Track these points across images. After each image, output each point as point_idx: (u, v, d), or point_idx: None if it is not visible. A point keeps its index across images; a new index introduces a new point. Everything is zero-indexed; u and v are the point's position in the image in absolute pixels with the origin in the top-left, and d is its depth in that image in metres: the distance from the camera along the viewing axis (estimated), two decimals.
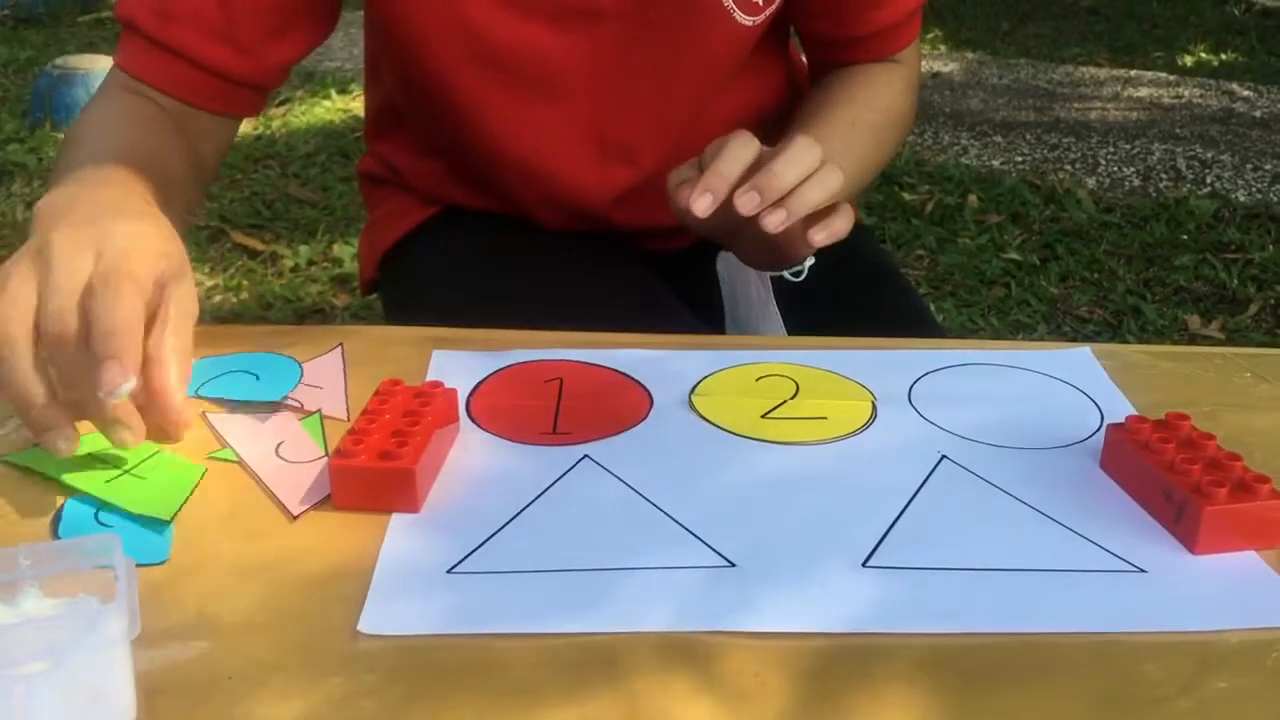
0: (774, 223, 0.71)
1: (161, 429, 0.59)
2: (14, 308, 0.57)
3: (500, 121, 0.91)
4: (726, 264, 0.96)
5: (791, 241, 0.79)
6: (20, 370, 0.56)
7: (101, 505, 0.59)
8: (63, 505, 0.59)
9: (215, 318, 2.37)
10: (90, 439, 0.63)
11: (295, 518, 0.58)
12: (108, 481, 0.60)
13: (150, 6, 0.83)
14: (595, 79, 0.90)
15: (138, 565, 0.52)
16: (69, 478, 0.60)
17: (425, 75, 0.90)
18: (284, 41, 0.87)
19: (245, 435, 0.66)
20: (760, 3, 0.89)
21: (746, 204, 0.71)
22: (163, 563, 0.54)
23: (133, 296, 0.57)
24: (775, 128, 0.93)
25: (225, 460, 0.63)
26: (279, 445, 0.65)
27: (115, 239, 0.60)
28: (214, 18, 0.82)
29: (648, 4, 0.87)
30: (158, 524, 0.57)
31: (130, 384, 0.56)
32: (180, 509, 0.58)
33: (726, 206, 0.72)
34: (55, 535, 0.56)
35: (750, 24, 0.90)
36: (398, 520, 0.58)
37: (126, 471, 0.61)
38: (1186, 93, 4.15)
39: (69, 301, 0.57)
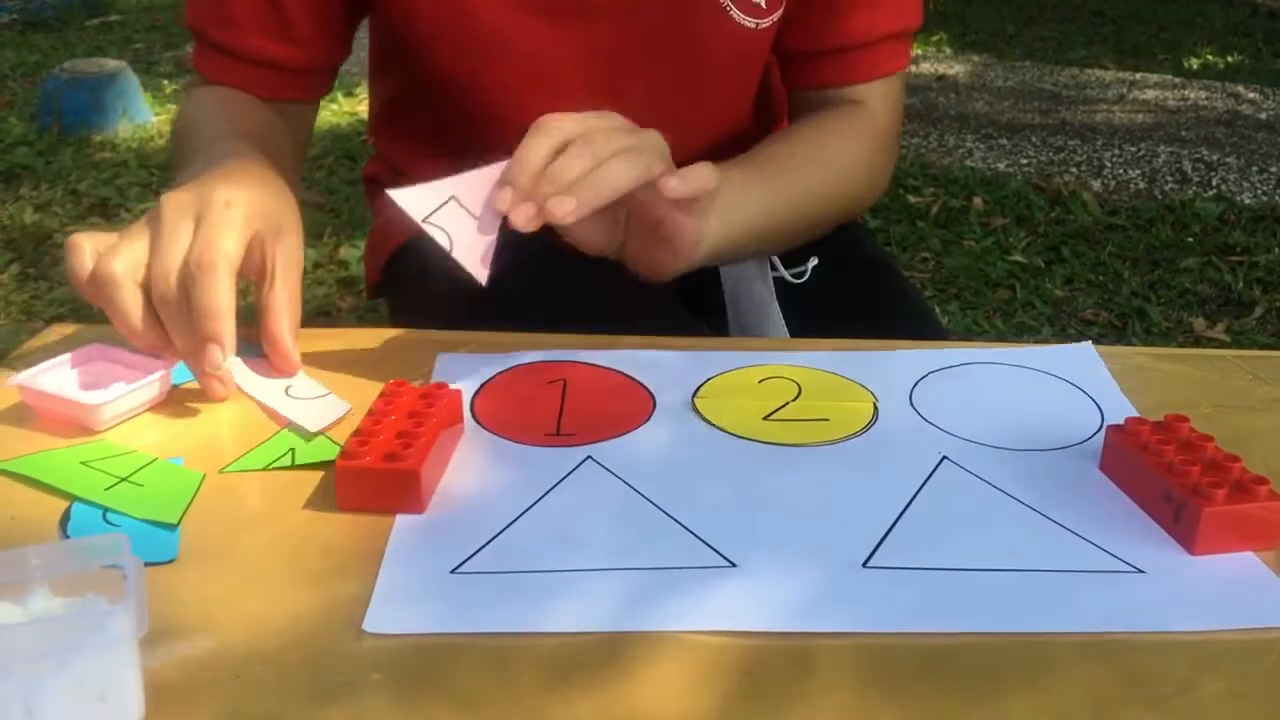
0: (562, 212, 0.67)
1: (275, 367, 0.71)
2: (122, 256, 0.67)
3: (502, 114, 0.93)
4: (729, 267, 0.96)
5: (672, 229, 0.76)
6: (122, 301, 0.66)
7: (108, 507, 0.59)
8: (71, 505, 0.59)
9: None
10: (85, 449, 0.64)
11: (313, 435, 0.66)
12: (107, 489, 0.60)
13: (213, 16, 0.92)
14: (592, 74, 0.91)
15: (147, 564, 0.52)
16: (67, 484, 0.60)
17: (428, 69, 0.93)
18: (335, 26, 0.94)
19: (257, 382, 0.71)
20: (763, 4, 0.89)
21: (513, 207, 0.68)
22: (171, 561, 0.55)
23: (225, 279, 0.66)
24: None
25: (237, 472, 0.64)
26: (288, 388, 0.71)
27: (213, 209, 0.67)
28: (269, 18, 0.90)
29: (642, 1, 0.88)
30: (167, 528, 0.58)
31: (230, 360, 0.67)
32: (185, 513, 0.59)
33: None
34: (64, 535, 0.57)
35: (753, 26, 0.90)
36: (402, 521, 0.58)
37: (124, 479, 0.61)
38: (1192, 95, 4.14)
39: (170, 279, 0.66)
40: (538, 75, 0.91)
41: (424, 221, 0.68)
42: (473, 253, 0.68)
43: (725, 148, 0.98)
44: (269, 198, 0.71)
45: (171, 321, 0.67)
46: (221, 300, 0.65)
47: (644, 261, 0.80)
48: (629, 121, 0.74)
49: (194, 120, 0.91)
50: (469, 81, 0.92)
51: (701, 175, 0.73)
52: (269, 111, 0.93)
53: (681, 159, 0.97)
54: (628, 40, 0.90)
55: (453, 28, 0.89)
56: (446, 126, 0.98)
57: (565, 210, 0.67)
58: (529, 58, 0.90)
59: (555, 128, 0.70)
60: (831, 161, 0.92)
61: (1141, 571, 0.56)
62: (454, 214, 0.69)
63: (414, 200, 0.68)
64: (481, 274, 0.69)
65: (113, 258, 0.67)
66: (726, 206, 0.82)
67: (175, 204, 0.68)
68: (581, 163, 0.68)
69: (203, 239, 0.66)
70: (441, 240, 0.68)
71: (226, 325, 0.66)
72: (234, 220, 0.67)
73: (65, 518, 0.58)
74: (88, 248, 0.67)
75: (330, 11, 0.93)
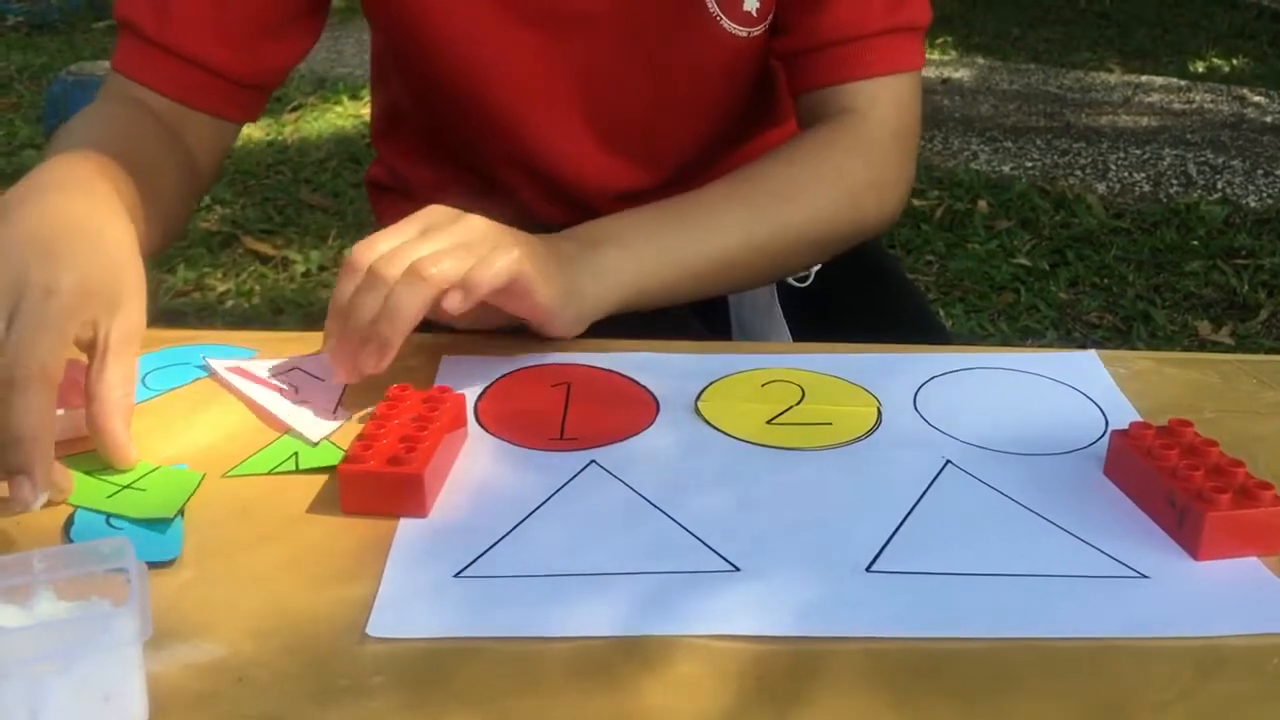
0: (369, 367, 0.67)
1: (105, 458, 0.62)
2: None
3: (500, 123, 0.93)
4: None
5: (517, 309, 0.73)
6: None
7: (111, 513, 0.59)
8: (74, 510, 0.59)
9: (227, 322, 2.38)
10: (88, 457, 0.64)
11: (315, 444, 0.65)
12: (109, 496, 0.60)
13: (147, 6, 0.84)
14: (588, 85, 0.91)
15: (151, 563, 0.53)
16: (71, 496, 0.60)
17: (425, 79, 0.92)
18: (279, 41, 0.89)
19: (251, 386, 0.71)
20: (754, 13, 0.89)
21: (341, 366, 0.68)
22: (175, 559, 0.55)
23: (39, 397, 0.57)
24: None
25: (240, 477, 0.64)
26: (283, 390, 0.71)
27: (29, 299, 0.59)
28: (211, 16, 0.84)
29: (637, 10, 0.88)
30: (165, 523, 0.58)
31: (41, 499, 0.58)
32: (184, 505, 0.59)
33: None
34: (67, 539, 0.57)
35: (744, 34, 0.90)
36: (406, 524, 0.58)
37: (127, 487, 0.61)
38: (1197, 98, 4.14)
39: None
40: (534, 86, 0.91)
41: (269, 374, 0.73)
42: (314, 419, 0.69)
43: (723, 153, 0.98)
44: (100, 268, 0.62)
45: None
46: (33, 424, 0.57)
47: (542, 330, 0.76)
48: (446, 218, 0.70)
49: (70, 125, 0.81)
50: (466, 92, 0.92)
51: (488, 276, 0.67)
52: (161, 137, 0.84)
53: (679, 165, 0.97)
54: (622, 51, 0.90)
55: (449, 39, 0.89)
56: (446, 133, 0.99)
57: (372, 367, 0.67)
58: (525, 69, 0.90)
59: (356, 267, 0.68)
60: (795, 183, 0.85)
61: (1145, 576, 0.56)
62: (297, 378, 0.73)
63: (259, 366, 0.74)
64: (315, 435, 0.67)
65: None
66: (637, 255, 0.78)
67: None
68: (372, 302, 0.66)
69: (15, 346, 0.57)
70: (285, 386, 0.72)
71: (40, 454, 0.57)
72: (54, 316, 0.59)
73: (68, 523, 0.58)
74: None
75: (276, 20, 0.87)
